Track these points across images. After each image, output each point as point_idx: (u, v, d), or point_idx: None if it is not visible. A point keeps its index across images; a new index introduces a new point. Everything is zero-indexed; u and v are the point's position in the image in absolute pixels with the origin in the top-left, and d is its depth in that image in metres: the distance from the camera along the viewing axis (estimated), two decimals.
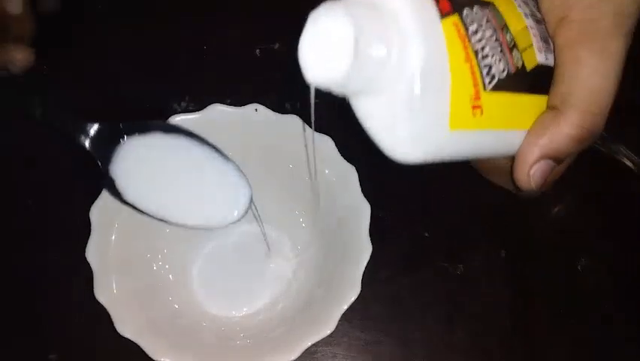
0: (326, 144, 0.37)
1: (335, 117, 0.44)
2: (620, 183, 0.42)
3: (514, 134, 0.25)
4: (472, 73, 0.22)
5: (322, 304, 0.36)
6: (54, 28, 0.44)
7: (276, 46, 0.46)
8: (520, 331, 0.40)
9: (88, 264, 0.35)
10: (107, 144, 0.33)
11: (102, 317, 0.34)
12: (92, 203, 0.36)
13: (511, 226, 0.43)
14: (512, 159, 0.26)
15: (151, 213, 0.34)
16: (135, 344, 0.33)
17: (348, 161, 0.37)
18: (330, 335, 0.34)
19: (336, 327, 0.34)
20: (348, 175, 0.37)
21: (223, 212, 0.36)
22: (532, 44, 0.25)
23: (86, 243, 0.35)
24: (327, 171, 0.38)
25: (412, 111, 0.21)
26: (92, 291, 0.34)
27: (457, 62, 0.21)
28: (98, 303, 0.34)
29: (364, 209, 0.36)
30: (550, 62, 0.25)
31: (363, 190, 0.37)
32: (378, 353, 0.40)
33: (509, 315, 0.41)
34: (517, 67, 0.24)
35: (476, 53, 0.22)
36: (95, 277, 0.35)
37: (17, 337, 0.40)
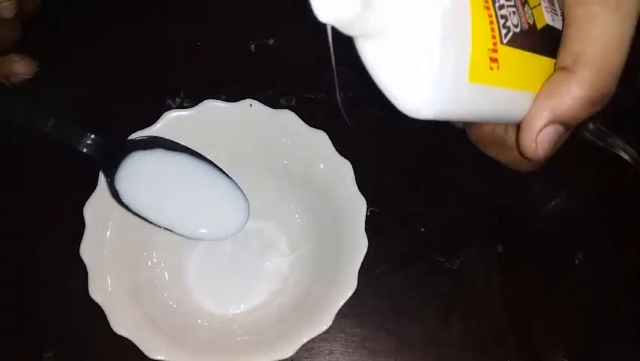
0: (321, 139, 0.37)
1: (330, 112, 0.44)
2: (617, 176, 0.42)
3: (525, 97, 0.24)
4: (491, 22, 0.21)
5: (318, 300, 0.36)
6: (46, 25, 0.44)
7: (271, 41, 0.46)
8: (517, 326, 0.40)
9: (82, 261, 0.35)
10: (113, 157, 0.35)
11: (97, 314, 0.34)
12: (86, 200, 0.36)
13: (507, 221, 0.43)
14: (517, 127, 0.25)
15: (155, 222, 0.36)
16: (131, 341, 0.33)
17: (343, 156, 0.37)
18: (327, 331, 0.34)
19: (333, 323, 0.34)
20: (344, 170, 0.37)
21: (223, 225, 0.37)
22: (540, 3, 0.24)
23: (80, 240, 0.35)
24: (322, 166, 0.38)
25: (430, 57, 0.19)
26: (87, 289, 0.34)
27: (477, 7, 0.20)
28: (93, 301, 0.34)
29: (360, 204, 0.36)
30: (557, 24, 0.25)
31: (358, 185, 0.37)
32: (374, 349, 0.40)
33: (506, 310, 0.40)
34: (529, 23, 0.23)
35: (494, 1, 0.21)
36: (90, 274, 0.34)
37: (12, 335, 0.39)
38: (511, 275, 0.41)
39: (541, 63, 0.24)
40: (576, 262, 0.42)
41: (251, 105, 0.38)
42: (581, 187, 0.44)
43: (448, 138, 0.44)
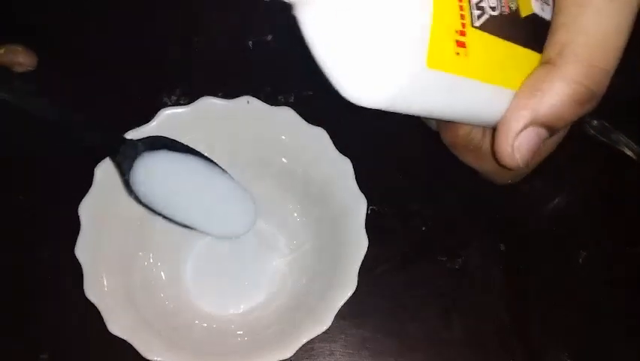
0: (320, 137, 0.37)
1: (330, 110, 0.43)
2: (620, 173, 0.42)
3: (503, 95, 0.20)
4: (460, 0, 0.18)
5: (318, 300, 0.35)
6: (41, 23, 0.44)
7: (269, 38, 0.46)
8: (518, 325, 0.40)
9: (78, 261, 0.34)
10: (129, 157, 0.35)
11: (93, 315, 0.33)
12: (82, 199, 0.35)
13: (509, 219, 0.42)
14: (493, 130, 0.22)
15: (169, 217, 0.36)
16: (127, 342, 0.33)
17: (343, 153, 0.37)
18: (327, 332, 0.33)
19: (333, 323, 0.34)
20: (344, 168, 0.37)
21: (232, 225, 0.38)
22: None
23: (76, 240, 0.35)
24: (321, 164, 0.38)
25: (379, 31, 0.16)
26: (83, 289, 0.34)
27: None
28: (89, 301, 0.34)
29: (360, 203, 0.36)
30: (547, 15, 0.22)
31: (358, 183, 0.36)
32: (375, 349, 0.39)
33: (508, 309, 0.40)
34: (511, 9, 0.20)
35: None
36: (85, 275, 0.34)
37: (7, 337, 0.39)
38: (512, 274, 0.41)
39: (523, 56, 0.21)
40: (579, 260, 0.41)
41: (248, 102, 0.38)
42: (583, 184, 0.44)
43: None
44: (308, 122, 0.37)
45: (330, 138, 0.37)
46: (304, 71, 0.48)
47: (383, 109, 0.18)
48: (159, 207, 0.35)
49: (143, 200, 0.35)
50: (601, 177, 0.43)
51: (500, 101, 0.21)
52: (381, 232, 0.40)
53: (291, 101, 0.44)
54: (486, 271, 0.41)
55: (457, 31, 0.18)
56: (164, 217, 0.36)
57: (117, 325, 0.33)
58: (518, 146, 0.20)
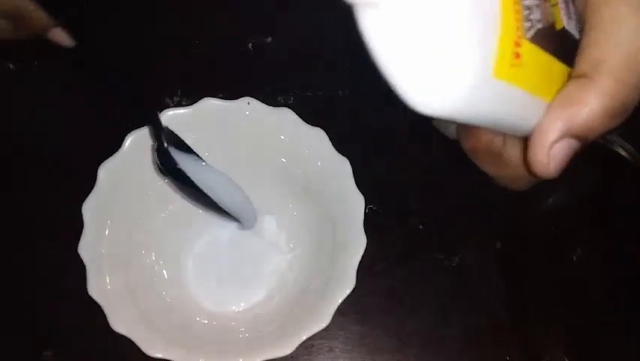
0: (319, 137, 0.37)
1: (328, 109, 0.44)
2: (614, 172, 0.42)
3: (538, 105, 0.21)
4: (517, 11, 0.18)
5: (317, 298, 0.36)
6: None
7: (269, 39, 0.46)
8: (515, 322, 0.40)
9: (81, 260, 0.35)
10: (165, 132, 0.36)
11: (96, 312, 0.34)
12: (85, 199, 0.36)
13: (506, 218, 0.43)
14: (519, 140, 0.23)
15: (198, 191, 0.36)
16: (129, 339, 0.33)
17: (341, 153, 0.37)
18: (326, 329, 0.34)
19: (332, 320, 0.34)
20: (342, 168, 0.37)
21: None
22: (558, 2, 0.21)
23: (79, 239, 0.35)
24: (320, 164, 0.38)
25: (449, 38, 0.16)
26: (86, 287, 0.34)
27: None
28: (92, 299, 0.34)
29: (359, 202, 0.36)
30: (571, 29, 0.22)
31: (357, 183, 0.37)
32: (373, 346, 0.40)
33: (504, 307, 0.41)
34: (549, 22, 0.20)
35: None
36: (88, 273, 0.34)
37: (11, 334, 0.39)
38: (509, 272, 0.41)
39: (557, 69, 0.21)
40: (574, 258, 0.42)
41: (249, 103, 0.38)
42: (578, 184, 0.44)
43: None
44: (307, 122, 0.38)
45: (329, 138, 0.37)
46: (303, 72, 0.49)
47: (443, 117, 0.18)
48: (192, 179, 0.36)
49: (180, 166, 0.35)
50: (596, 177, 0.43)
51: (536, 110, 0.21)
52: (380, 231, 0.41)
53: (291, 101, 0.44)
54: (483, 269, 0.41)
55: (514, 43, 0.18)
56: (191, 192, 0.36)
57: (120, 322, 0.33)
58: (553, 156, 0.21)
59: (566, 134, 0.21)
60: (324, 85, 0.44)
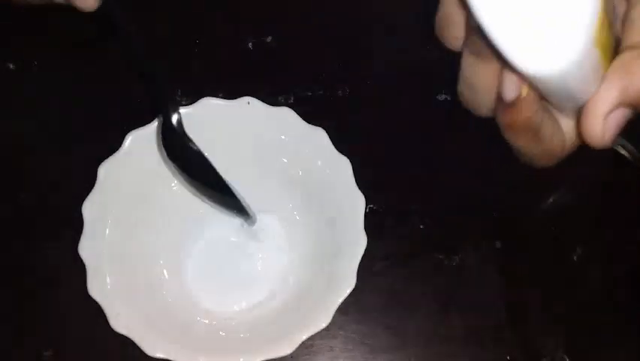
0: (320, 137, 0.37)
1: (329, 110, 0.44)
2: (615, 171, 0.42)
3: (599, 75, 0.22)
4: None
5: (318, 298, 0.36)
6: (36, 21, 0.44)
7: (269, 39, 0.46)
8: (516, 322, 0.40)
9: (81, 259, 0.35)
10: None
11: (96, 312, 0.34)
12: (85, 199, 0.36)
13: (506, 217, 0.43)
14: (553, 117, 0.24)
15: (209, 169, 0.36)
16: (130, 339, 0.33)
17: (342, 153, 0.37)
18: (326, 328, 0.34)
19: (332, 320, 0.34)
20: (343, 167, 0.37)
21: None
22: None
23: (79, 238, 0.35)
24: (320, 164, 0.38)
25: (561, 5, 0.18)
26: (86, 287, 0.34)
27: None
28: (92, 299, 0.34)
29: (359, 202, 0.36)
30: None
31: (357, 182, 0.37)
32: (374, 346, 0.40)
33: (504, 306, 0.40)
34: None
35: None
36: (88, 272, 0.34)
37: (11, 334, 0.39)
38: (509, 272, 0.41)
39: (610, 41, 0.22)
40: (574, 258, 0.42)
41: (249, 103, 0.38)
42: (579, 183, 0.44)
43: (447, 134, 0.44)
44: (308, 122, 0.38)
45: (330, 138, 0.37)
46: (304, 71, 0.49)
47: (547, 83, 0.19)
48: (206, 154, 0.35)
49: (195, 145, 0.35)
50: (596, 176, 0.43)
51: (598, 82, 0.22)
52: (380, 231, 0.41)
53: (291, 101, 0.44)
54: (483, 269, 0.41)
55: (605, 12, 0.19)
56: (202, 170, 0.36)
57: (120, 322, 0.33)
58: (608, 125, 0.21)
59: (622, 104, 0.21)
60: (324, 85, 0.44)
